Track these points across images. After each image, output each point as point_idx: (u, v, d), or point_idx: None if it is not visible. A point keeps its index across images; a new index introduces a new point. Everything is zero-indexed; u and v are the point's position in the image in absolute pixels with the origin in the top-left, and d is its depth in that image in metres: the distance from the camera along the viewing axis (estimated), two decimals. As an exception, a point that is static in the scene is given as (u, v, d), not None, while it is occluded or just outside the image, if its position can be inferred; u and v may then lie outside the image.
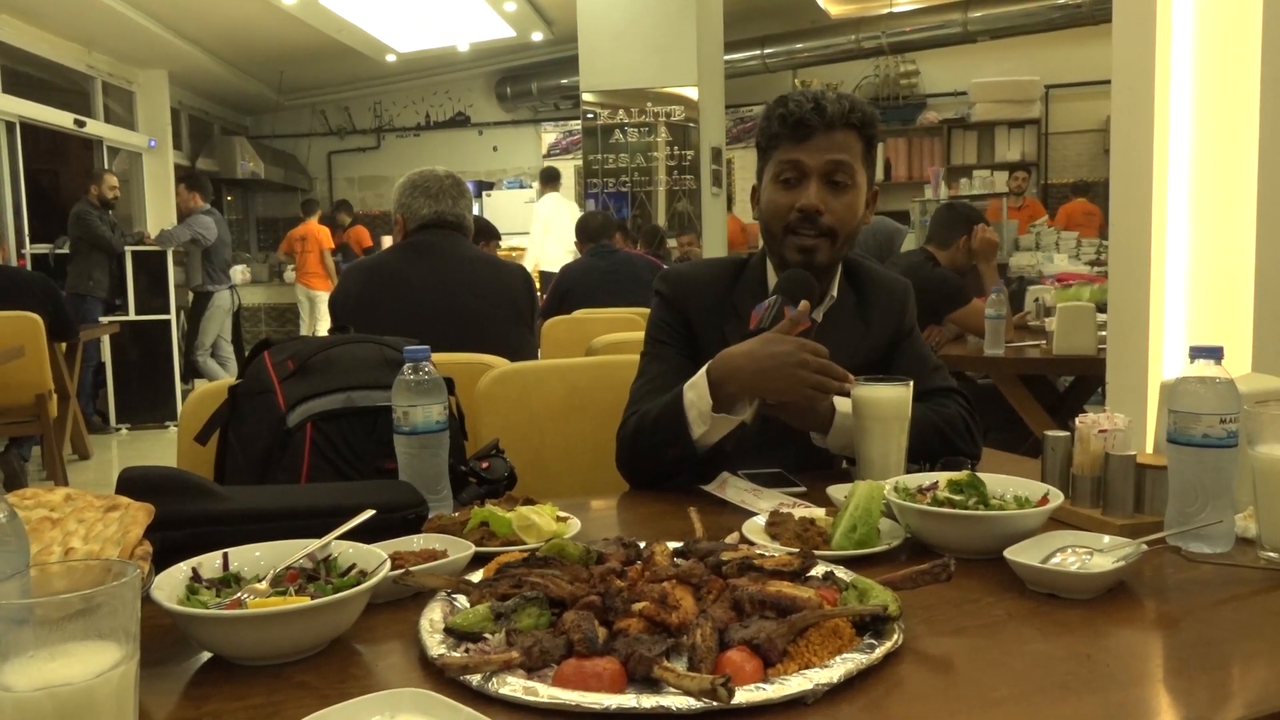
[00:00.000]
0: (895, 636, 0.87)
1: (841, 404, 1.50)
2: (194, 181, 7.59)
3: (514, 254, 8.10)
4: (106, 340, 6.94)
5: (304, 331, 9.74)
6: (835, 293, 1.66)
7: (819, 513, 1.25)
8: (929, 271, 4.21)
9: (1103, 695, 0.79)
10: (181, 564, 0.95)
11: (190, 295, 7.70)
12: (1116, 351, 2.72)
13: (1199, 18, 2.49)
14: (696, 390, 1.46)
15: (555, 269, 6.40)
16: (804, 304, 1.47)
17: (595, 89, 7.52)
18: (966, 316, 4.03)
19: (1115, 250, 2.74)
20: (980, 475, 1.20)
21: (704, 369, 1.47)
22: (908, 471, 1.41)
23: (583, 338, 2.87)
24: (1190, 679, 0.84)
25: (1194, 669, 0.85)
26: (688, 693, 0.75)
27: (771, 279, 1.65)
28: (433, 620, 0.91)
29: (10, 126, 7.82)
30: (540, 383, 1.95)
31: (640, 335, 1.76)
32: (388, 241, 9.82)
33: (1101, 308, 3.54)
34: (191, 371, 7.55)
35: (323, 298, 9.42)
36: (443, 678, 0.81)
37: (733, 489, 1.43)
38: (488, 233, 4.94)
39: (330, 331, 1.75)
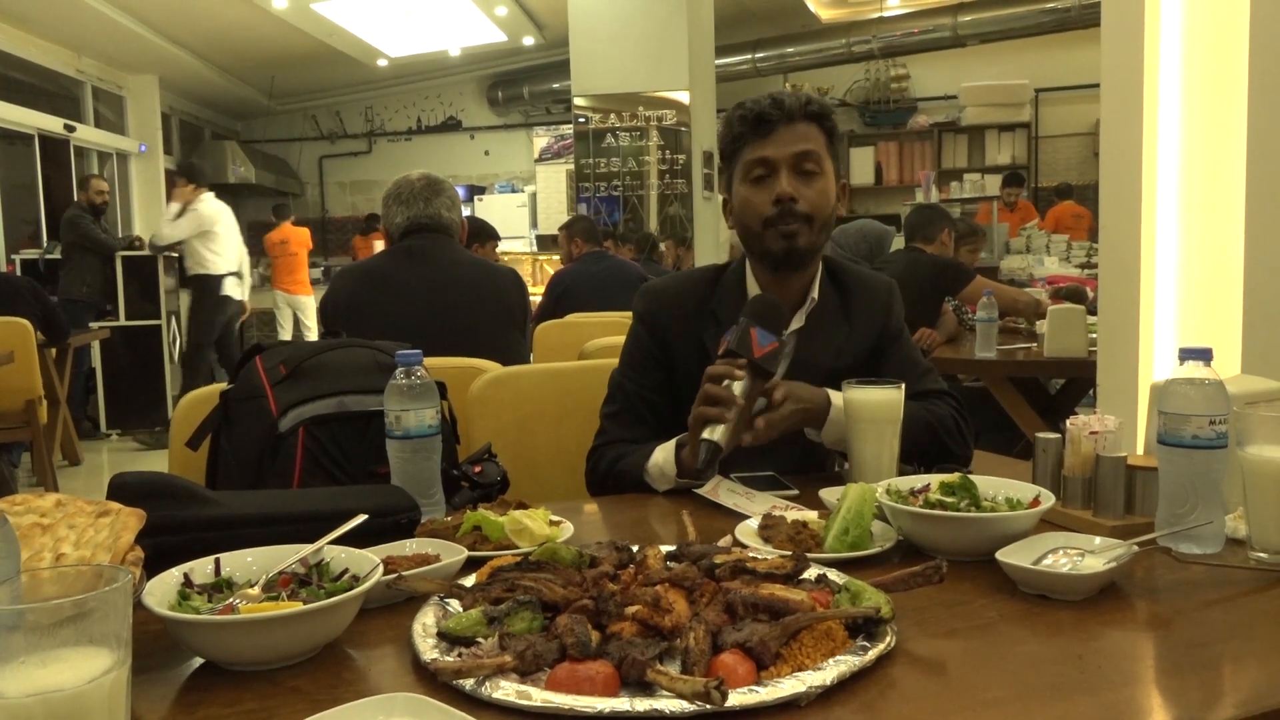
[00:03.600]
0: (888, 639, 0.87)
1: (835, 398, 1.50)
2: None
3: (505, 258, 7.93)
4: (97, 346, 6.90)
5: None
6: (816, 295, 1.64)
7: (811, 515, 1.25)
8: (930, 259, 4.29)
9: (1095, 696, 0.79)
10: (173, 569, 0.95)
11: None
12: (1107, 354, 2.73)
13: (1187, 21, 2.51)
14: (660, 467, 1.51)
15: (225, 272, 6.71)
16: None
17: (586, 93, 7.52)
18: (976, 291, 4.11)
19: (1105, 253, 2.75)
20: (972, 477, 1.20)
21: (673, 446, 1.51)
22: (900, 474, 1.42)
23: (575, 341, 2.87)
24: (1181, 679, 0.84)
25: (1185, 669, 0.86)
26: (681, 696, 0.75)
27: (751, 285, 1.64)
28: (425, 625, 0.91)
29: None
30: (533, 387, 1.95)
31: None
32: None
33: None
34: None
35: (309, 303, 9.30)
36: (435, 682, 0.81)
37: (725, 492, 1.43)
38: (485, 234, 4.82)
39: (321, 336, 1.75)
